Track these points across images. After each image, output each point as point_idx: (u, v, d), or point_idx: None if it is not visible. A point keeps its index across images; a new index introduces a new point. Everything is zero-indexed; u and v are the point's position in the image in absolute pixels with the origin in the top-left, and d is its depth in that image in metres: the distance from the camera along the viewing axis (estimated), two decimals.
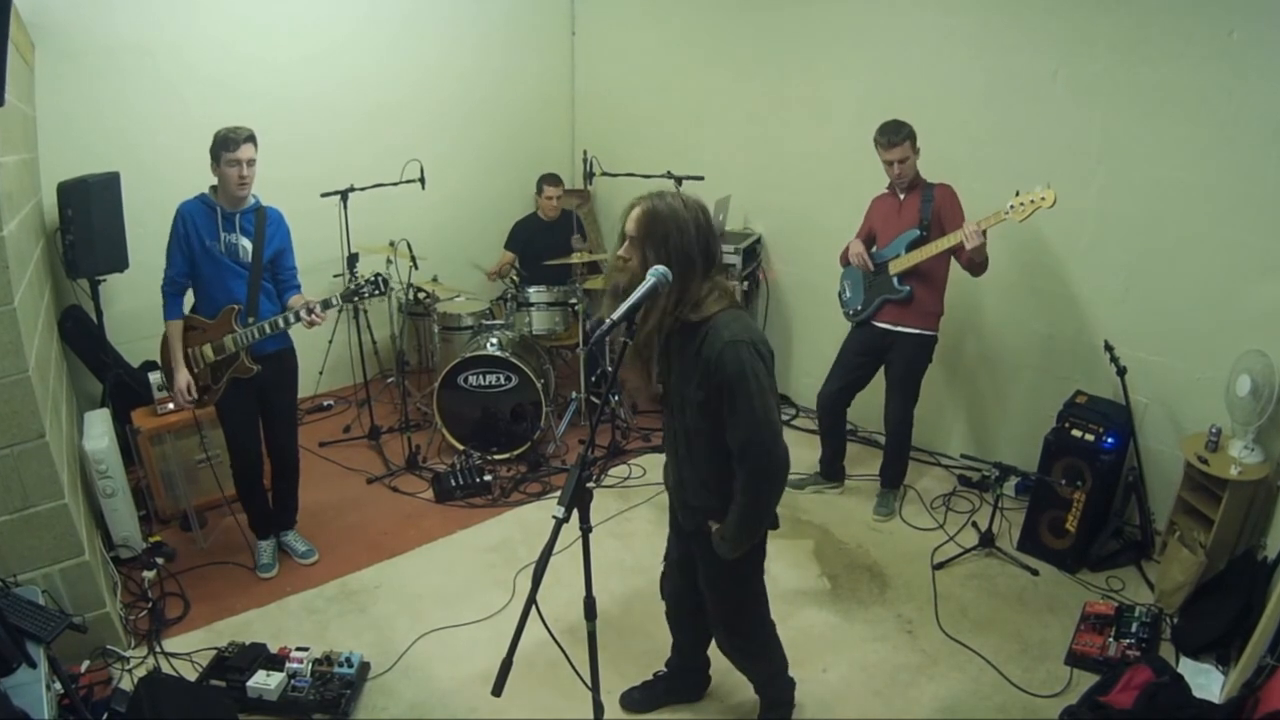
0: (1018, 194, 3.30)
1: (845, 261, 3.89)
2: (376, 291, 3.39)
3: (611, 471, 4.44)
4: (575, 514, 1.87)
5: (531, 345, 4.75)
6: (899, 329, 3.72)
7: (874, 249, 3.79)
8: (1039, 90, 3.78)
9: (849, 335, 3.93)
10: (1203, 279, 3.46)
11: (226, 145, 3.07)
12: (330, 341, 4.98)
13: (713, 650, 2.68)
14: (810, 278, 4.85)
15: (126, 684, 2.82)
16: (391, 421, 4.86)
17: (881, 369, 3.89)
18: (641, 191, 2.09)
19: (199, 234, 3.17)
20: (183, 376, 3.25)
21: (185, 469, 3.86)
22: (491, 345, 4.43)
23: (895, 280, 3.67)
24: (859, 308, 3.85)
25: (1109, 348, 3.63)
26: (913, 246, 3.60)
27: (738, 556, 2.20)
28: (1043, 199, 3.24)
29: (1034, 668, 3.03)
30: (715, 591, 2.41)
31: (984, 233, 3.38)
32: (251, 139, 3.11)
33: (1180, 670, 2.78)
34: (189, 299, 3.31)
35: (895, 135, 3.47)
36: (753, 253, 5.10)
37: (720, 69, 5.14)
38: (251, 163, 3.13)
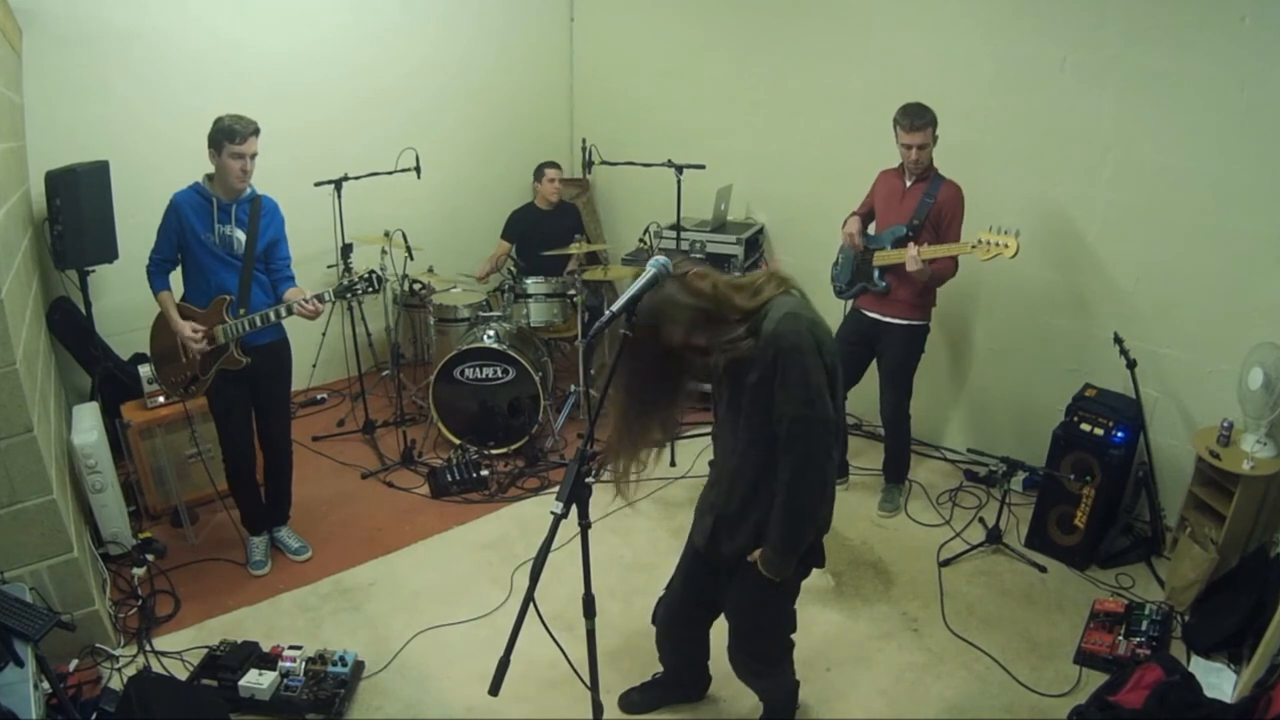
0: (990, 230, 3.29)
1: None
2: (370, 289, 3.34)
3: (611, 466, 4.38)
4: (574, 509, 1.83)
5: (529, 337, 4.70)
6: (886, 319, 3.67)
7: (870, 229, 3.75)
8: (1048, 78, 3.72)
9: (840, 325, 3.89)
10: (1214, 270, 3.41)
11: (231, 136, 3.00)
12: (324, 334, 4.92)
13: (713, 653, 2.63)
14: (815, 269, 4.76)
15: (116, 683, 2.78)
16: (386, 415, 4.80)
17: (874, 362, 3.83)
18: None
19: (192, 227, 3.11)
20: (184, 323, 3.16)
21: (176, 464, 3.81)
22: (488, 337, 4.37)
23: (876, 273, 3.63)
24: (842, 286, 3.83)
25: (1118, 340, 3.57)
26: (898, 244, 3.54)
27: (786, 575, 2.12)
28: (1005, 246, 3.24)
29: (1042, 666, 2.99)
30: (747, 621, 2.34)
31: (926, 260, 3.38)
32: (257, 132, 3.05)
33: (1191, 669, 2.74)
34: (178, 289, 3.25)
35: (918, 119, 3.38)
36: (755, 243, 5.04)
37: (722, 55, 5.07)
38: (254, 156, 3.08)
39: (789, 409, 1.93)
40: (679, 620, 2.54)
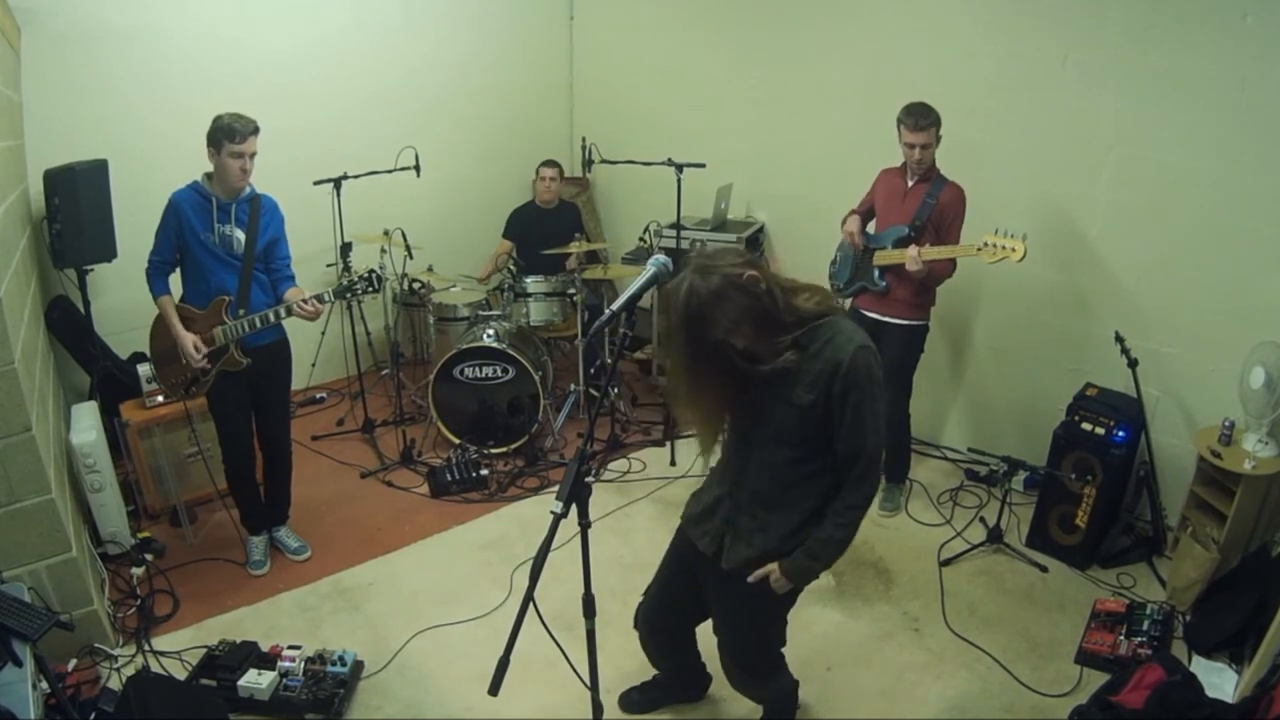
0: (995, 233, 3.29)
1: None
2: (370, 289, 3.32)
3: (611, 466, 4.38)
4: (573, 509, 1.82)
5: (529, 336, 4.69)
6: (886, 319, 3.66)
7: (870, 227, 3.74)
8: (1048, 76, 3.71)
9: None
10: (1216, 269, 3.40)
11: (231, 135, 2.98)
12: (323, 333, 4.91)
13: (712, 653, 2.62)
14: (815, 267, 4.74)
15: (115, 683, 2.78)
16: (386, 415, 4.79)
17: None
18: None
19: (191, 227, 3.09)
20: (187, 337, 3.14)
21: (175, 463, 3.80)
22: (488, 336, 4.36)
23: (876, 273, 3.62)
24: (841, 285, 3.82)
25: (1120, 339, 3.57)
26: (899, 244, 3.53)
27: (802, 586, 2.13)
28: (1012, 250, 3.24)
29: (1043, 666, 2.98)
30: (740, 636, 2.32)
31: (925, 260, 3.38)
32: (257, 131, 3.04)
33: (1193, 669, 2.74)
34: (178, 290, 3.24)
35: (923, 118, 3.35)
36: (755, 242, 5.04)
37: (722, 53, 5.06)
38: (254, 155, 3.07)
39: (862, 440, 1.93)
40: (657, 626, 2.52)
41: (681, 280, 1.86)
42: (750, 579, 2.11)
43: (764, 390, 1.96)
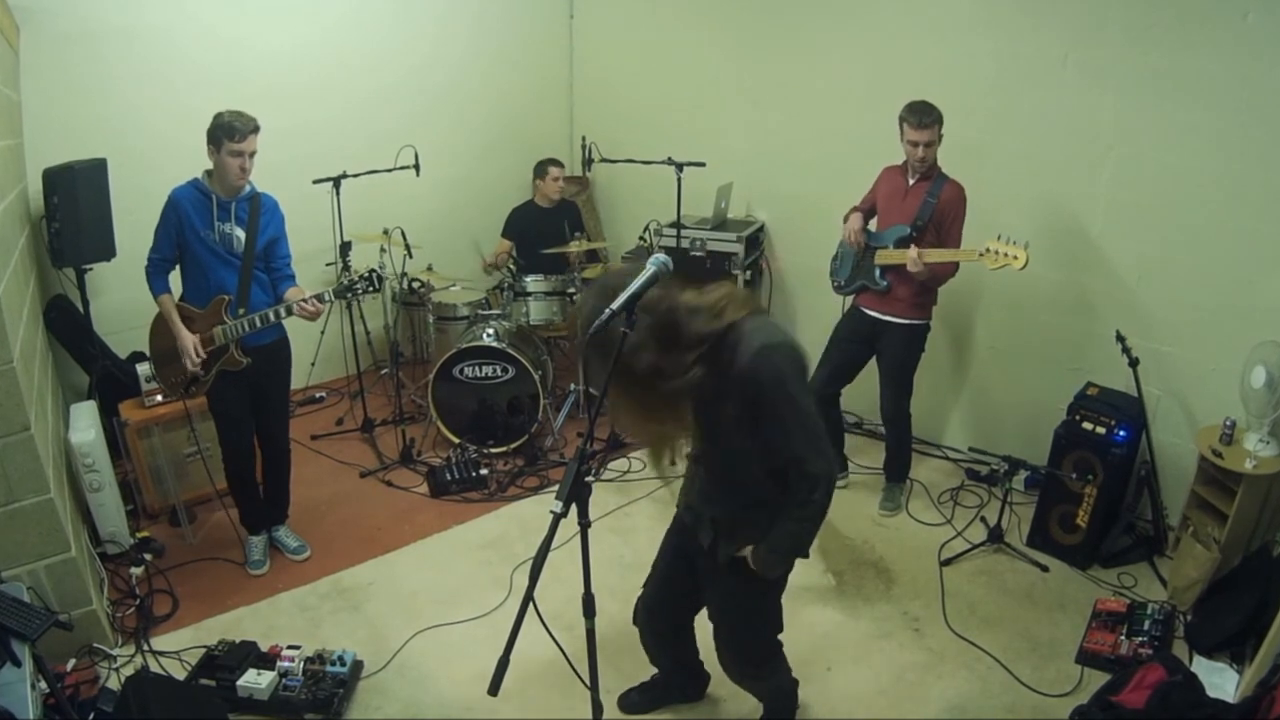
0: (998, 239, 3.30)
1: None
2: (371, 289, 3.32)
3: (610, 465, 4.38)
4: (573, 509, 1.81)
5: (529, 336, 4.69)
6: (887, 318, 3.66)
7: (871, 225, 3.74)
8: (1049, 75, 3.70)
9: (839, 322, 3.88)
10: (1217, 268, 3.40)
11: (231, 134, 2.97)
12: (322, 332, 4.90)
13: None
14: (816, 266, 4.76)
15: (114, 683, 2.78)
16: (385, 414, 4.79)
17: (874, 359, 3.82)
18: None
19: (191, 224, 3.09)
20: (187, 336, 3.13)
21: (174, 462, 3.80)
22: (488, 336, 4.36)
23: (877, 272, 3.62)
24: (841, 283, 3.82)
25: (1121, 338, 3.56)
26: (900, 244, 3.53)
27: (778, 574, 2.14)
28: (1014, 258, 3.25)
29: (1044, 666, 2.97)
30: (733, 621, 2.33)
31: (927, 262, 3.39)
32: (257, 130, 3.03)
33: (1194, 669, 2.74)
34: (177, 288, 3.24)
35: (926, 116, 3.35)
36: (756, 241, 5.03)
37: (723, 52, 5.06)
38: (254, 154, 3.06)
39: (798, 448, 1.92)
40: (657, 615, 2.53)
41: (583, 303, 1.83)
42: (737, 554, 2.14)
43: (704, 404, 1.96)
